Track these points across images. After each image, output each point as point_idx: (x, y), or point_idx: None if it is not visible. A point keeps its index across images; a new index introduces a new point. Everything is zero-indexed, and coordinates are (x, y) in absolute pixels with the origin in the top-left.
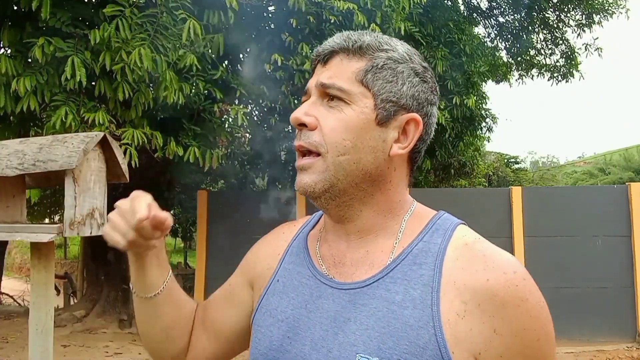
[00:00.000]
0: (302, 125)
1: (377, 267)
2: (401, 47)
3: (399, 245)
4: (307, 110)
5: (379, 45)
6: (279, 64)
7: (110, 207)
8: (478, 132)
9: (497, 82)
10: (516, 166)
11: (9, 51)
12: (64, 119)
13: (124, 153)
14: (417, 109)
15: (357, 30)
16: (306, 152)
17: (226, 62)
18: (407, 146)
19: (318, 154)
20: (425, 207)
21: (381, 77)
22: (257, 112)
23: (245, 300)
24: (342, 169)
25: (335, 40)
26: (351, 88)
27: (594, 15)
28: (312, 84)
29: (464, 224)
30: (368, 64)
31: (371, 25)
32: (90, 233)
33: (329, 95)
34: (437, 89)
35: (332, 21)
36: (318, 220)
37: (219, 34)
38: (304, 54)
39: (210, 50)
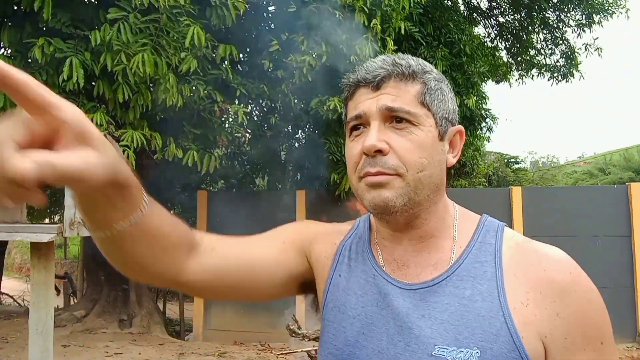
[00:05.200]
0: (378, 151)
1: (442, 267)
2: (433, 68)
3: (457, 246)
4: (378, 137)
5: (423, 67)
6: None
7: None
8: (478, 132)
9: (497, 82)
10: (516, 166)
11: (9, 51)
12: None
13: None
14: (458, 121)
15: (357, 29)
16: (381, 174)
17: (226, 62)
18: (457, 155)
19: (395, 174)
20: (462, 207)
21: (435, 97)
22: (257, 112)
23: (294, 259)
24: (421, 184)
25: (384, 65)
26: (416, 110)
27: (594, 15)
28: (370, 108)
29: (507, 225)
30: (423, 87)
31: (371, 22)
32: None
33: (395, 117)
34: None
35: (331, 19)
36: (370, 227)
37: (232, 45)
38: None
39: (212, 53)
